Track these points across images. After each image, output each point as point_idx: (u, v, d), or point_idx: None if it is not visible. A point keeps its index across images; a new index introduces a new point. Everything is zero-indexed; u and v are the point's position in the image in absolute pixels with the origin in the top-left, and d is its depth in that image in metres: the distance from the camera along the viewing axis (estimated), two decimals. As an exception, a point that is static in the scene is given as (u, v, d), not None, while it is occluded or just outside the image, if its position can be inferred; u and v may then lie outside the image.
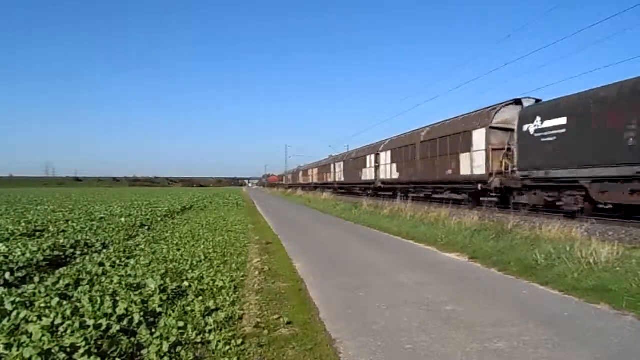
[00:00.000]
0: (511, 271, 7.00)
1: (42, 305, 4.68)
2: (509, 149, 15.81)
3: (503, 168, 15.85)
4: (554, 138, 12.94)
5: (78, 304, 4.64)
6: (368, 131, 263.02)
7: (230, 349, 3.78)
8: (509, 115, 16.02)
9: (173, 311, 4.64)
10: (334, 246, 10.49)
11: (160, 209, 22.48)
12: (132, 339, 3.78)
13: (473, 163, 17.28)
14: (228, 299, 5.28)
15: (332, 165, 44.97)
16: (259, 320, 4.62)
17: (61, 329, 3.86)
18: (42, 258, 7.88)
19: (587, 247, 6.80)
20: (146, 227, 14.31)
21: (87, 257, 8.43)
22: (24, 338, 3.63)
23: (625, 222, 11.14)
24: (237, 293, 5.66)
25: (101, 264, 7.37)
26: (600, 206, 12.57)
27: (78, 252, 9.06)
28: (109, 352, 3.49)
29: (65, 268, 7.49)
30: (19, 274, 6.75)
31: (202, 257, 7.94)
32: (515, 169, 14.94)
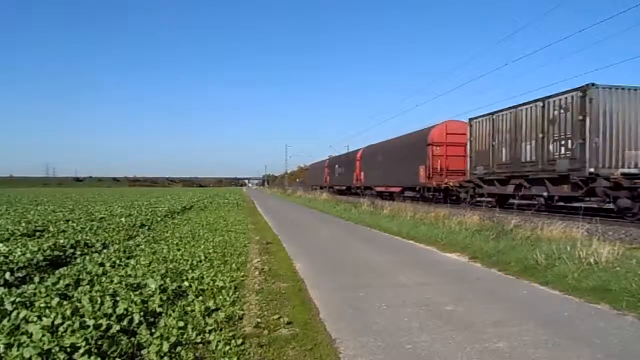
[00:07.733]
0: (511, 271, 7.00)
1: (42, 305, 4.67)
2: None
3: None
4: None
5: (78, 304, 4.64)
6: (368, 131, 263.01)
7: (230, 349, 3.77)
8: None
9: (173, 311, 4.63)
10: (334, 246, 10.50)
11: (160, 209, 22.46)
12: (132, 339, 3.78)
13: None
14: (228, 299, 5.28)
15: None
16: (259, 320, 4.61)
17: (61, 329, 3.85)
18: (42, 258, 7.87)
19: (587, 247, 6.79)
20: (146, 227, 14.29)
21: (87, 257, 8.42)
22: (24, 338, 3.62)
23: (625, 222, 11.20)
24: (237, 293, 5.66)
25: (101, 264, 7.36)
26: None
27: (78, 252, 9.04)
28: (109, 352, 3.48)
29: (65, 268, 7.48)
30: (19, 274, 6.74)
31: (202, 257, 7.94)
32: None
